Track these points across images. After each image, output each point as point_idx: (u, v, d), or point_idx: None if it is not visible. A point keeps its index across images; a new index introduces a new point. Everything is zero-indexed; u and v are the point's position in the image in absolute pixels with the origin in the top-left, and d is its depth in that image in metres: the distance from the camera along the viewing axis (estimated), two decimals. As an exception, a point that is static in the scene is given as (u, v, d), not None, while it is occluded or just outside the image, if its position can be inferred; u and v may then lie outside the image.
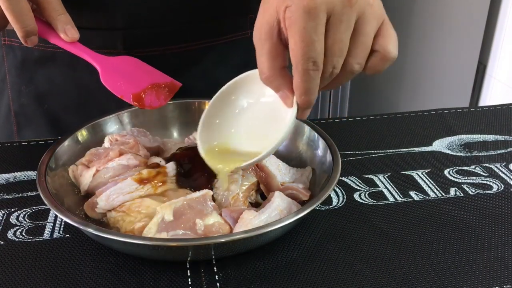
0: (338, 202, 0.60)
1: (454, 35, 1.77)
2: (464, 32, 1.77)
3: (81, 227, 0.48)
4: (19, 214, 0.58)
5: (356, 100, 1.78)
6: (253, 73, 0.53)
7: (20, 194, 0.62)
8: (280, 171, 0.59)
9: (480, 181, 0.64)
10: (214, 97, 0.57)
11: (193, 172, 0.58)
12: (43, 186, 0.53)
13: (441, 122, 0.79)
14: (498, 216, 0.58)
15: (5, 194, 0.62)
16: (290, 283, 0.49)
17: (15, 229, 0.56)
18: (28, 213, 0.59)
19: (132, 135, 0.65)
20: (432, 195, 0.62)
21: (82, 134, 0.64)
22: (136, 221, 0.52)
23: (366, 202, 0.60)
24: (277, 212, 0.52)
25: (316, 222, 0.57)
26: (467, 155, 0.70)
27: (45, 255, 0.53)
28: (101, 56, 0.62)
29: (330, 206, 0.60)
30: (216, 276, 0.50)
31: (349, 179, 0.65)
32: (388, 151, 0.71)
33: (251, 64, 0.53)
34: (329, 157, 0.58)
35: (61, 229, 0.56)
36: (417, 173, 0.66)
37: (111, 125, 0.67)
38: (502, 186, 0.63)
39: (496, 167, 0.67)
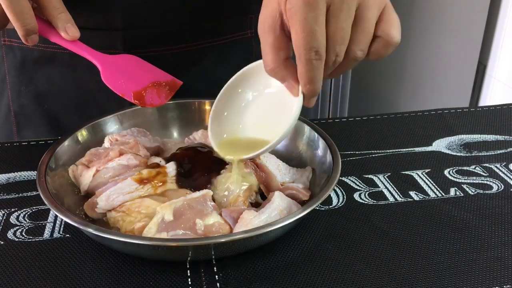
0: (338, 202, 0.60)
1: (454, 35, 1.77)
2: (464, 32, 1.77)
3: (81, 227, 0.48)
4: (19, 214, 0.58)
5: (356, 100, 1.78)
6: (258, 64, 0.53)
7: (20, 194, 0.62)
8: (280, 171, 0.59)
9: (480, 181, 0.64)
10: (222, 90, 0.57)
11: (193, 172, 0.58)
12: (43, 186, 0.53)
13: (441, 122, 0.79)
14: (498, 216, 0.58)
15: (5, 194, 0.62)
16: (290, 283, 0.49)
17: (15, 229, 0.56)
18: (28, 213, 0.59)
19: (132, 135, 0.65)
20: (432, 195, 0.62)
21: (82, 134, 0.64)
22: (136, 221, 0.52)
23: (366, 202, 0.60)
24: (277, 212, 0.52)
25: (316, 222, 0.57)
26: (467, 155, 0.70)
27: (45, 255, 0.53)
28: (102, 54, 0.62)
29: (330, 206, 0.60)
30: (216, 276, 0.50)
31: (349, 179, 0.65)
32: (388, 151, 0.71)
33: (251, 64, 0.53)
34: (329, 157, 0.58)
35: (61, 229, 0.56)
36: (417, 173, 0.66)
37: (111, 125, 0.67)
38: (502, 186, 0.63)
39: (496, 167, 0.67)
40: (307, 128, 0.64)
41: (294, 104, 0.51)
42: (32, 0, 0.59)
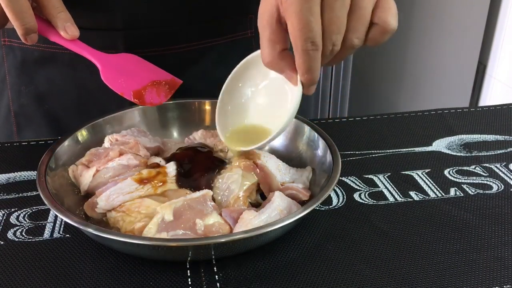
0: (338, 202, 0.60)
1: (454, 35, 1.77)
2: (464, 32, 1.77)
3: (81, 227, 0.48)
4: (19, 214, 0.58)
5: (356, 100, 1.78)
6: (259, 53, 0.54)
7: (20, 194, 0.62)
8: (280, 171, 0.59)
9: (480, 181, 0.64)
10: (225, 84, 0.59)
11: (193, 172, 0.58)
12: (43, 186, 0.53)
13: (441, 122, 0.79)
14: (498, 216, 0.58)
15: (5, 194, 0.62)
16: (290, 283, 0.49)
17: (15, 229, 0.56)
18: (28, 213, 0.59)
19: (132, 135, 0.65)
20: (432, 195, 0.62)
21: (82, 134, 0.64)
22: (136, 221, 0.52)
23: (366, 202, 0.60)
24: (277, 212, 0.52)
25: (316, 222, 0.57)
26: (467, 155, 0.70)
27: (45, 255, 0.53)
28: (101, 53, 0.62)
29: (330, 206, 0.60)
30: (216, 276, 0.50)
31: (349, 179, 0.65)
32: (388, 151, 0.71)
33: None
34: (329, 157, 0.58)
35: (61, 229, 0.56)
36: (417, 173, 0.66)
37: (111, 125, 0.67)
38: (502, 186, 0.63)
39: (496, 167, 0.67)
40: (307, 128, 0.64)
41: (294, 93, 0.52)
42: None
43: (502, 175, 0.65)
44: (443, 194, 0.62)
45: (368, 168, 0.67)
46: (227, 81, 0.59)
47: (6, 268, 0.51)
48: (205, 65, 0.79)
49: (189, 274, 0.50)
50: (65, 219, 0.49)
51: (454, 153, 0.70)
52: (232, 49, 0.80)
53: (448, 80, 1.84)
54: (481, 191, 0.62)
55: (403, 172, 0.66)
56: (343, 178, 0.65)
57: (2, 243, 0.54)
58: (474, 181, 0.64)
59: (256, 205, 0.56)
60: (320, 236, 0.55)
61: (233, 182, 0.56)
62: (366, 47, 0.51)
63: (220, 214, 0.53)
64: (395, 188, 0.63)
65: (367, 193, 0.62)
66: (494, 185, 0.63)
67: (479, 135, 0.75)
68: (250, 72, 0.58)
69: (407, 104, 1.86)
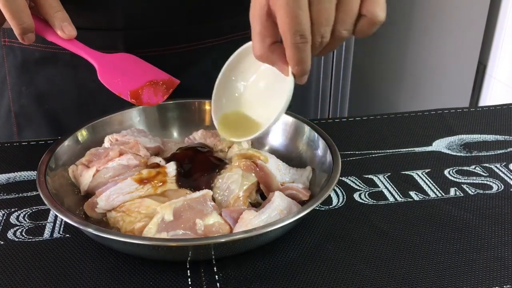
0: (338, 202, 0.60)
1: (454, 35, 1.77)
2: (464, 32, 1.77)
3: (81, 227, 0.48)
4: (19, 214, 0.58)
5: (356, 100, 1.78)
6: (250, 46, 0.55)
7: (20, 194, 0.62)
8: (280, 171, 0.59)
9: (480, 181, 0.64)
10: (219, 77, 0.60)
11: (193, 172, 0.58)
12: (43, 186, 0.53)
13: (441, 122, 0.79)
14: (498, 216, 0.58)
15: (5, 194, 0.62)
16: (290, 283, 0.49)
17: (15, 229, 0.56)
18: (28, 213, 0.59)
19: (132, 135, 0.65)
20: (432, 195, 0.62)
21: (82, 134, 0.64)
22: (136, 221, 0.52)
23: (366, 202, 0.60)
24: (277, 212, 0.52)
25: (316, 222, 0.57)
26: (467, 155, 0.70)
27: (45, 255, 0.53)
28: (98, 53, 0.62)
29: (330, 206, 0.60)
30: (216, 276, 0.50)
31: (349, 179, 0.65)
32: (388, 151, 0.71)
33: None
34: (329, 157, 0.58)
35: (61, 229, 0.56)
36: (417, 173, 0.66)
37: (111, 125, 0.67)
38: (502, 186, 0.63)
39: (496, 167, 0.67)
40: (307, 128, 0.64)
41: (287, 84, 0.53)
42: None
43: (502, 175, 0.65)
44: (443, 194, 0.62)
45: (368, 168, 0.67)
46: (220, 75, 0.60)
47: (6, 268, 0.51)
48: (205, 65, 0.79)
49: (189, 274, 0.50)
50: (65, 219, 0.49)
51: (454, 153, 0.70)
52: (232, 49, 0.80)
53: (448, 80, 1.84)
54: (481, 191, 0.62)
55: (403, 172, 0.66)
56: (343, 178, 0.65)
57: (2, 243, 0.54)
58: (474, 181, 0.64)
59: (256, 205, 0.56)
60: (320, 236, 0.55)
61: (233, 182, 0.56)
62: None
63: (220, 214, 0.53)
64: (395, 188, 0.63)
65: (367, 193, 0.62)
66: (494, 185, 0.63)
67: (479, 135, 0.75)
68: (243, 63, 0.59)
69: (407, 104, 1.86)
